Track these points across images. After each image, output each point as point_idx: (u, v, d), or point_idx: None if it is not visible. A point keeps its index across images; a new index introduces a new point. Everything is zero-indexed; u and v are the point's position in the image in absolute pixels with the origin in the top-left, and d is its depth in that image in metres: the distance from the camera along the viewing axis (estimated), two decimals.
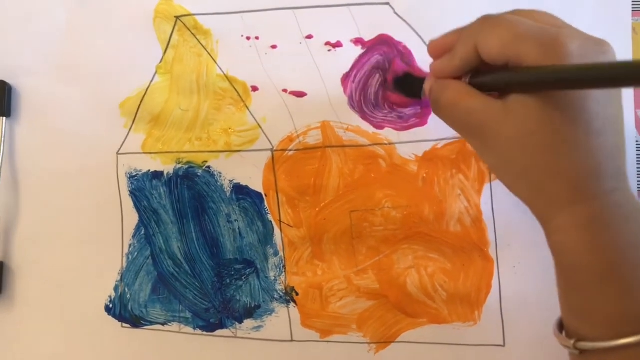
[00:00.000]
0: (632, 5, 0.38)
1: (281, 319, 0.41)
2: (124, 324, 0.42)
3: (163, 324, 0.42)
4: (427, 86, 0.34)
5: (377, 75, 0.40)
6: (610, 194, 0.27)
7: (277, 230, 0.41)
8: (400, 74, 0.39)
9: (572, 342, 0.29)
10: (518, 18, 0.29)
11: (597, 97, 0.27)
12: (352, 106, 0.40)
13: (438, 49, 0.33)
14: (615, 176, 0.28)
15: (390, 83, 0.39)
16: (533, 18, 0.29)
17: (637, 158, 0.39)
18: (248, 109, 0.40)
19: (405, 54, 0.39)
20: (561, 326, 0.31)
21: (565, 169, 0.28)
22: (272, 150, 0.41)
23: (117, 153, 0.42)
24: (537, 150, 0.28)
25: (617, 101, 0.28)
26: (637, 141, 0.39)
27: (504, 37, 0.28)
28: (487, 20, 0.29)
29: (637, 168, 0.39)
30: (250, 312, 0.41)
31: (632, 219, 0.27)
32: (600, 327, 0.28)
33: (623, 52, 0.38)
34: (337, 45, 0.40)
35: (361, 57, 0.40)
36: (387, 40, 0.39)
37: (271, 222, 0.41)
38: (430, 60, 0.34)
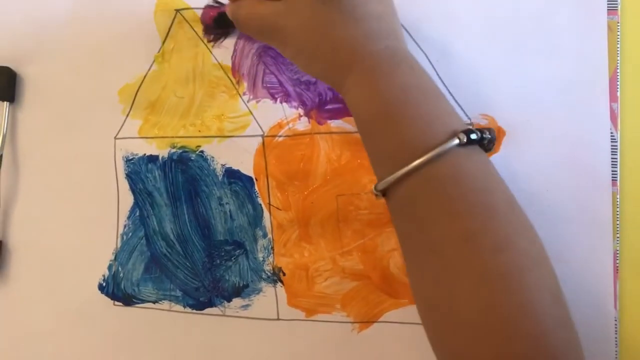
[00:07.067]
0: (608, 4, 0.40)
1: (268, 298, 0.42)
2: (116, 302, 0.44)
3: (154, 302, 0.44)
4: (228, 12, 0.39)
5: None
6: (382, 50, 0.32)
7: (266, 213, 0.43)
8: (215, 16, 0.42)
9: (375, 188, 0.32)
10: None
11: None
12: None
13: None
14: (385, 36, 0.33)
15: (211, 28, 0.43)
16: None
17: (612, 153, 0.40)
18: (240, 97, 0.42)
19: None
20: None
21: (341, 42, 0.33)
22: (262, 136, 0.42)
23: (115, 138, 0.44)
24: (317, 34, 0.33)
25: None
26: (611, 134, 0.40)
27: None
28: None
29: (612, 160, 0.40)
30: (239, 291, 0.43)
31: (402, 65, 0.32)
32: (387, 164, 0.31)
33: (599, 50, 0.40)
34: None
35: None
36: None
37: (261, 205, 0.43)
38: None
